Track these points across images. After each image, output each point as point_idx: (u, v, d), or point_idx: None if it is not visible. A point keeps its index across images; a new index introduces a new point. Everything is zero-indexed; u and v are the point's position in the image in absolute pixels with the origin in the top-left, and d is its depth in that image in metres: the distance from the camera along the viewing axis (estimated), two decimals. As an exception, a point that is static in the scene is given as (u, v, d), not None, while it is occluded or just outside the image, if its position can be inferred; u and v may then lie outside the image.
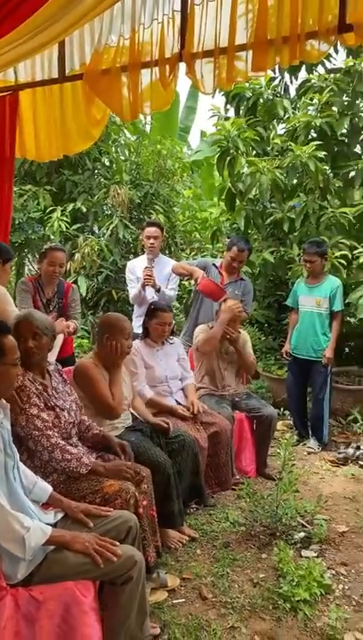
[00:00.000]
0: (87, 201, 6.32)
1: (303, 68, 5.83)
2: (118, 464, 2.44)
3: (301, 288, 4.63)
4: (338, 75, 5.37)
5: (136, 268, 4.44)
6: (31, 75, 3.24)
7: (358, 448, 4.29)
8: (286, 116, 5.78)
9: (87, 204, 6.30)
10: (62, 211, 6.02)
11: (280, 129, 5.98)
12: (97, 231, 6.61)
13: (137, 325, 4.04)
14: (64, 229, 5.94)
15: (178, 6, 2.67)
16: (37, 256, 5.17)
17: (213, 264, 4.39)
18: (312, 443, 4.48)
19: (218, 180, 7.14)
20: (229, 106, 6.04)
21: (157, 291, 4.26)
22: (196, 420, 3.35)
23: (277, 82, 6.05)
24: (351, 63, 5.24)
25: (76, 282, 5.63)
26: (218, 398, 3.82)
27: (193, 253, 6.58)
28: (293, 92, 6.10)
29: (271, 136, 5.80)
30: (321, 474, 3.99)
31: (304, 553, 2.84)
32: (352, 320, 5.33)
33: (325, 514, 3.24)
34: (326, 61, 5.75)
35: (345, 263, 4.80)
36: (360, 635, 2.25)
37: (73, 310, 3.87)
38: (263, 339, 5.90)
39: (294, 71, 5.96)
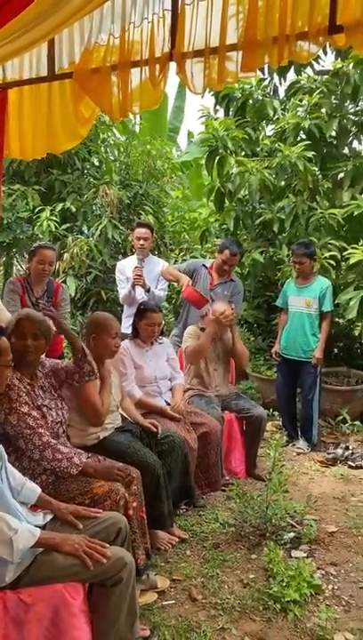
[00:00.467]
0: (76, 201, 6.28)
1: (292, 69, 5.84)
2: (109, 465, 2.43)
3: (290, 288, 4.64)
4: (327, 76, 5.40)
5: (126, 268, 4.42)
6: (19, 73, 3.21)
7: (346, 448, 4.31)
8: (276, 117, 5.79)
9: (76, 203, 6.27)
10: (51, 210, 5.98)
11: (269, 130, 5.99)
12: (86, 231, 6.57)
13: (126, 325, 4.03)
14: (53, 229, 5.91)
15: (168, 5, 2.66)
16: (26, 256, 5.14)
17: (204, 265, 4.40)
18: (302, 443, 4.49)
19: (206, 179, 7.12)
20: (218, 106, 6.04)
21: (147, 291, 4.24)
22: (185, 421, 3.35)
23: (266, 82, 6.06)
24: (340, 65, 5.26)
25: (64, 282, 5.59)
26: (208, 399, 3.81)
27: (182, 254, 6.57)
28: (282, 94, 6.12)
29: (261, 137, 5.81)
30: (310, 474, 4.01)
31: (294, 553, 2.84)
32: (341, 321, 5.36)
33: (314, 514, 3.25)
34: (314, 63, 5.77)
35: (334, 264, 4.82)
36: (350, 635, 2.26)
37: (62, 310, 3.82)
38: (253, 339, 5.91)
39: (282, 72, 5.97)
